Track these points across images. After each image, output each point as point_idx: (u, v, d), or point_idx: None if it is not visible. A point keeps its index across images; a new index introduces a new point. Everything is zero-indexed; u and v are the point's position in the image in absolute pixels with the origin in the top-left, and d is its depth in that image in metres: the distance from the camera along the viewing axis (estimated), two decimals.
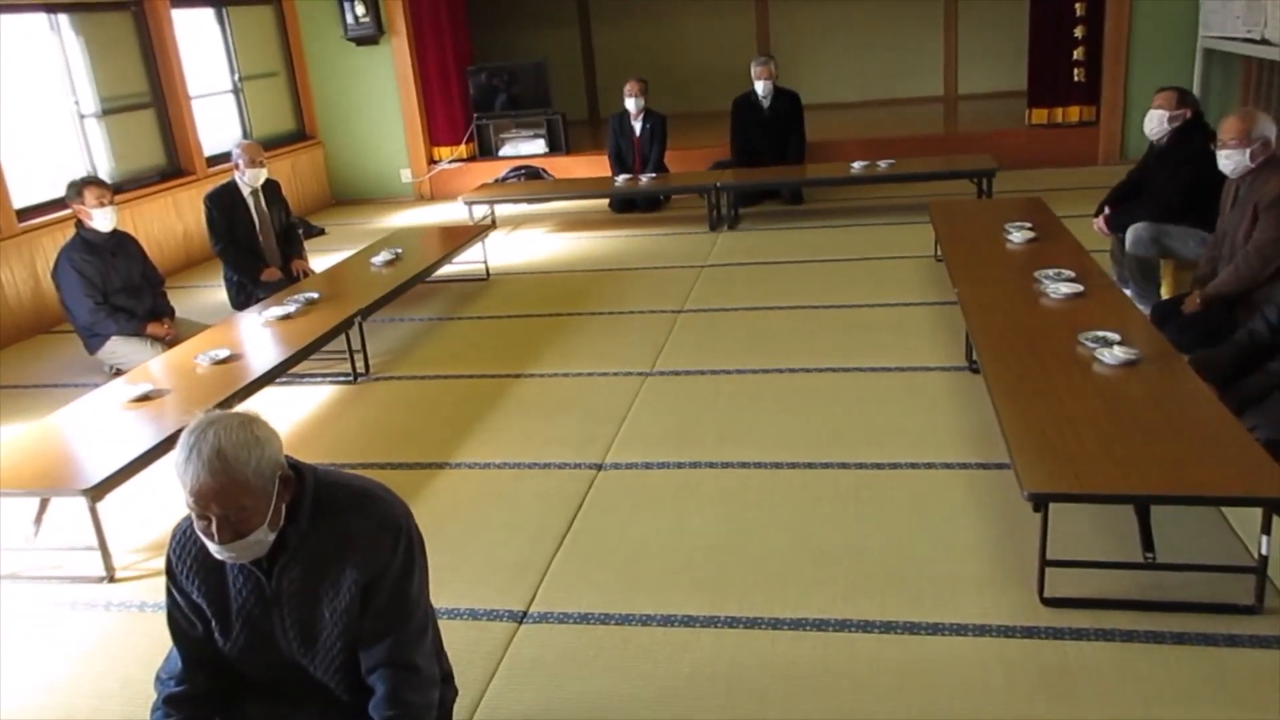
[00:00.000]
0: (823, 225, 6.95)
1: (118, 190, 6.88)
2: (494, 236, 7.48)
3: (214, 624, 1.91)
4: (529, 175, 8.80)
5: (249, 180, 5.79)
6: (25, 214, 6.02)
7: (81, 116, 6.73)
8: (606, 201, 8.00)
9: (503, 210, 7.99)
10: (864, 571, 2.85)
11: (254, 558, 1.82)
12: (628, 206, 7.94)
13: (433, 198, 9.24)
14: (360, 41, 8.92)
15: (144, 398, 3.70)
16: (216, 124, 8.06)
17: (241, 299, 5.80)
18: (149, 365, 4.23)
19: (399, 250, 5.72)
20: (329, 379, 4.77)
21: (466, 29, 9.72)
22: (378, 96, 9.11)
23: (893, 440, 3.63)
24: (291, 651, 1.91)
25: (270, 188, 5.98)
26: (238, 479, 1.70)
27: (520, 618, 2.78)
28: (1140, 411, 2.88)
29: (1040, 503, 2.53)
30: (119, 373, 4.63)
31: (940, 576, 2.79)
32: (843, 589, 2.77)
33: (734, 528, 3.15)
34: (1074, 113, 8.39)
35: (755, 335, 4.86)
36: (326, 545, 1.86)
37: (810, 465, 3.50)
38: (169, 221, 7.25)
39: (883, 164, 7.11)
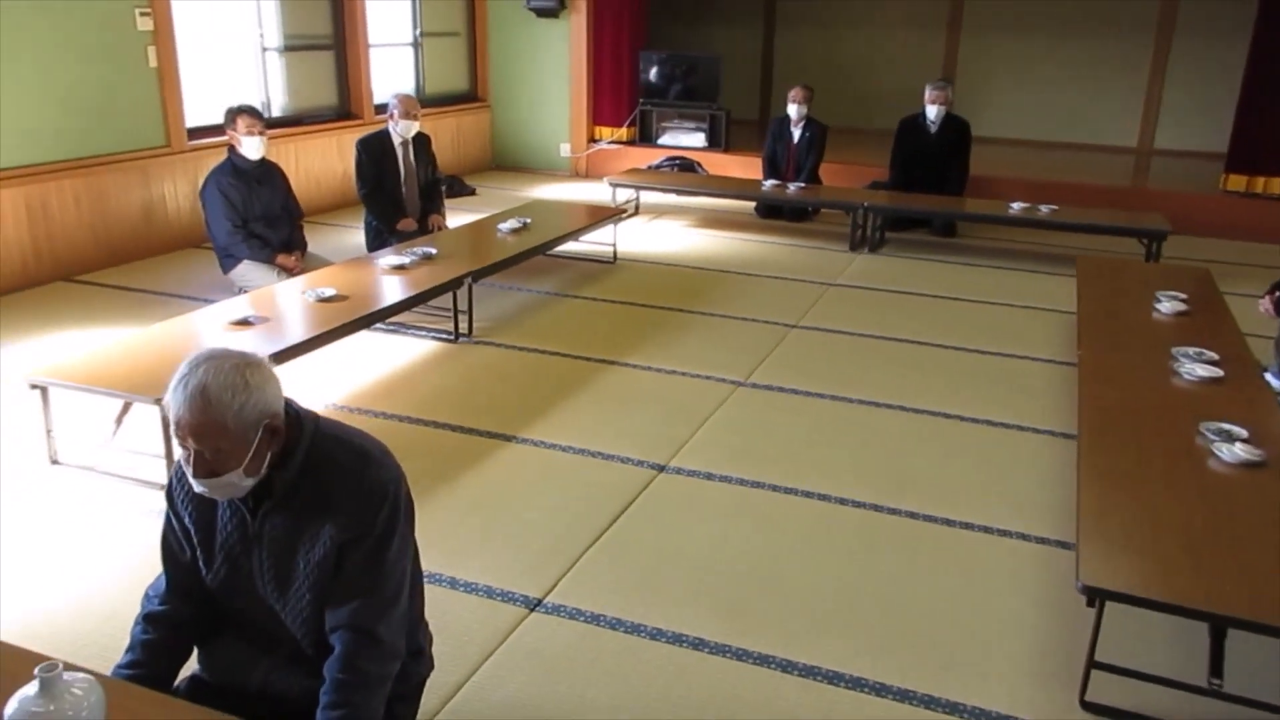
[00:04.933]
0: (968, 263, 6.62)
1: (287, 124, 7.24)
2: (633, 222, 7.48)
3: (199, 553, 1.93)
4: (682, 167, 8.75)
5: (401, 131, 5.94)
6: (195, 133, 6.36)
7: (264, 50, 7.06)
8: (753, 205, 7.86)
9: (647, 197, 7.96)
10: (895, 629, 2.67)
11: (229, 496, 1.82)
12: (773, 213, 7.78)
13: (587, 175, 9.31)
14: (541, 13, 9.05)
15: (242, 322, 3.83)
16: (391, 74, 8.33)
17: (376, 244, 5.97)
18: (259, 292, 4.38)
19: (528, 220, 5.76)
20: (431, 334, 4.84)
21: (645, 14, 9.73)
22: (549, 69, 9.23)
23: (969, 498, 3.40)
24: (266, 594, 1.90)
25: (420, 141, 6.12)
26: (216, 420, 1.70)
27: (533, 605, 2.73)
28: (1246, 521, 2.58)
29: (1094, 597, 2.30)
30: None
31: (976, 652, 2.58)
32: (867, 643, 2.60)
33: (774, 556, 3.01)
34: (1277, 184, 7.70)
35: (861, 363, 4.66)
36: (311, 497, 1.85)
37: (875, 507, 3.32)
38: (330, 161, 7.54)
39: (1044, 208, 6.71)
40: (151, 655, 1.95)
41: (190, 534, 1.93)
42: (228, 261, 5.26)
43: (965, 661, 2.55)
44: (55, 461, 3.44)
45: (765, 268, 6.33)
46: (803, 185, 7.45)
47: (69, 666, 1.59)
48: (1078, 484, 2.78)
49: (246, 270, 5.21)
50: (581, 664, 2.49)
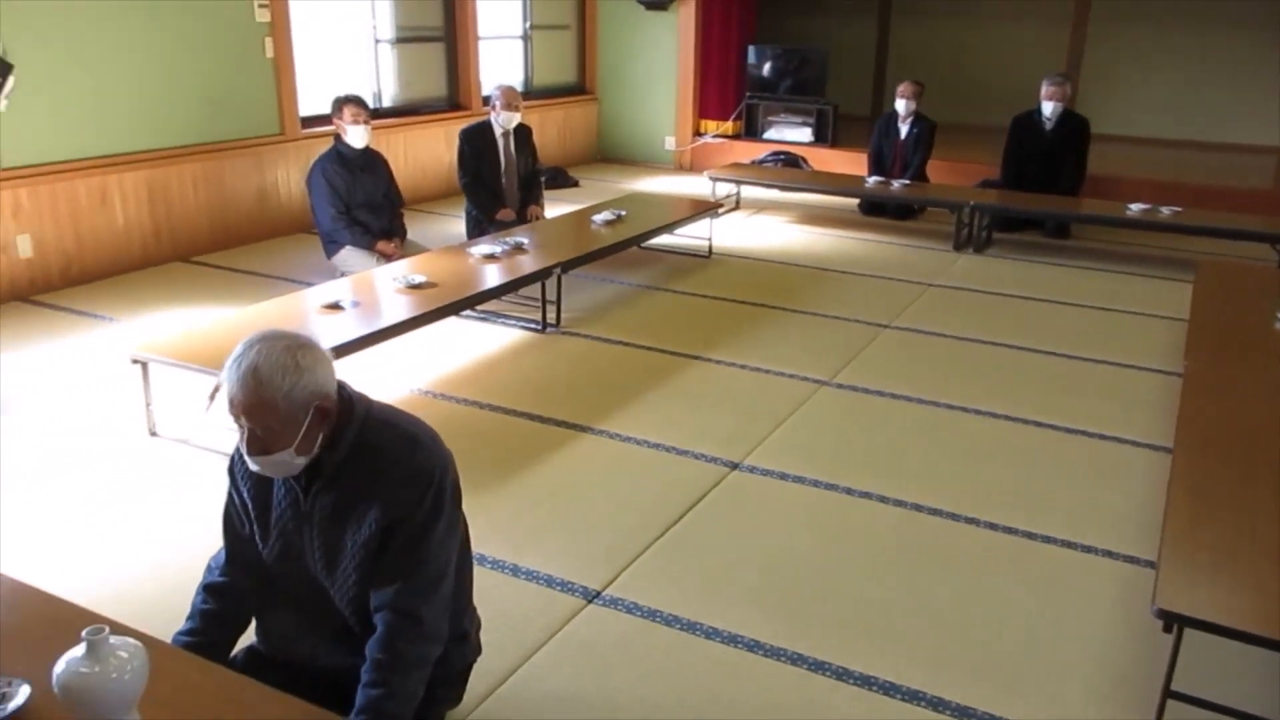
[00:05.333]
0: (1080, 265, 6.34)
1: (397, 114, 7.42)
2: (733, 217, 7.42)
3: (256, 528, 1.99)
4: (787, 162, 8.63)
5: (502, 123, 6.02)
6: (308, 122, 6.58)
7: (376, 41, 7.26)
8: (856, 202, 7.71)
9: (748, 192, 7.89)
10: (960, 644, 2.57)
11: (282, 475, 1.86)
12: (877, 210, 7.61)
13: (691, 169, 9.27)
14: (650, 6, 9.05)
15: (334, 306, 3.94)
16: (499, 66, 8.45)
17: (476, 233, 6.07)
18: (352, 278, 4.50)
19: (622, 212, 5.77)
20: (520, 323, 4.89)
21: (754, 6, 9.63)
22: (657, 62, 9.23)
23: (1054, 510, 3.25)
24: (317, 572, 1.95)
25: (521, 132, 6.19)
26: (266, 400, 1.74)
27: (592, 597, 2.73)
28: None
29: (1171, 623, 2.16)
30: None
31: (1045, 673, 2.47)
32: (929, 657, 2.51)
33: (841, 562, 2.94)
34: None
35: (955, 367, 4.51)
36: (359, 479, 1.88)
37: (953, 516, 3.20)
38: (437, 151, 7.70)
39: (1166, 210, 6.38)
40: (208, 624, 2.02)
41: (249, 509, 1.99)
42: (331, 247, 5.43)
43: (1032, 682, 2.44)
44: (154, 434, 3.61)
45: (863, 266, 6.19)
46: (907, 182, 7.26)
47: (116, 630, 1.66)
48: (1166, 501, 2.63)
49: (348, 256, 5.37)
50: (632, 659, 2.48)
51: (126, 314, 4.91)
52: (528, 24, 8.78)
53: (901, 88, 7.48)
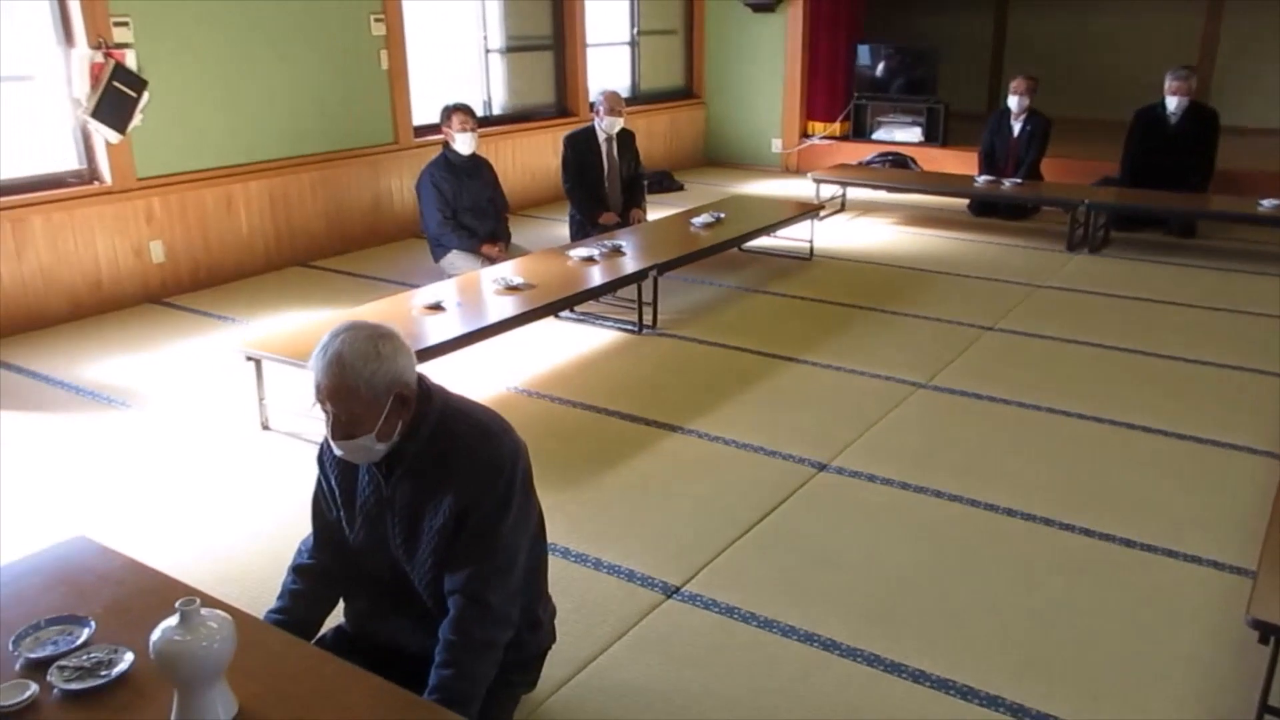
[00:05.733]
0: (1205, 266, 6.06)
1: (506, 121, 7.62)
2: (837, 219, 7.36)
3: (342, 513, 2.09)
4: (895, 162, 8.50)
5: (605, 127, 6.12)
6: (421, 131, 6.81)
7: (487, 51, 7.46)
8: (966, 202, 7.53)
9: (854, 194, 7.80)
10: (1046, 651, 2.51)
11: (365, 461, 1.96)
12: (988, 210, 7.42)
13: (798, 171, 9.21)
14: (757, 8, 9.04)
15: (435, 306, 4.09)
16: (607, 72, 8.58)
17: (579, 236, 6.17)
18: (454, 279, 4.65)
19: (721, 215, 5.79)
20: (617, 325, 4.97)
21: (864, 5, 9.51)
22: (764, 64, 9.21)
23: (1156, 518, 3.13)
24: (398, 556, 2.04)
25: (624, 137, 6.27)
26: (349, 385, 1.84)
27: (671, 592, 2.76)
28: None
29: (1267, 634, 2.07)
30: None
31: (1134, 684, 2.39)
32: (1012, 663, 2.46)
33: (926, 564, 2.90)
34: None
35: (1060, 371, 4.38)
36: (436, 467, 1.96)
37: (1048, 521, 3.12)
38: (545, 157, 7.86)
39: None
40: (296, 603, 2.13)
41: (336, 495, 2.10)
42: (438, 250, 5.61)
43: (1120, 693, 2.36)
44: (265, 427, 3.81)
45: (969, 267, 6.05)
46: (1019, 181, 7.05)
47: (207, 603, 1.78)
48: (1272, 508, 2.51)
49: (454, 259, 5.54)
50: (708, 654, 2.50)
51: (248, 315, 5.19)
52: (635, 30, 8.88)
53: (1014, 83, 7.28)
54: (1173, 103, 6.77)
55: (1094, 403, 4.00)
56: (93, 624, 1.93)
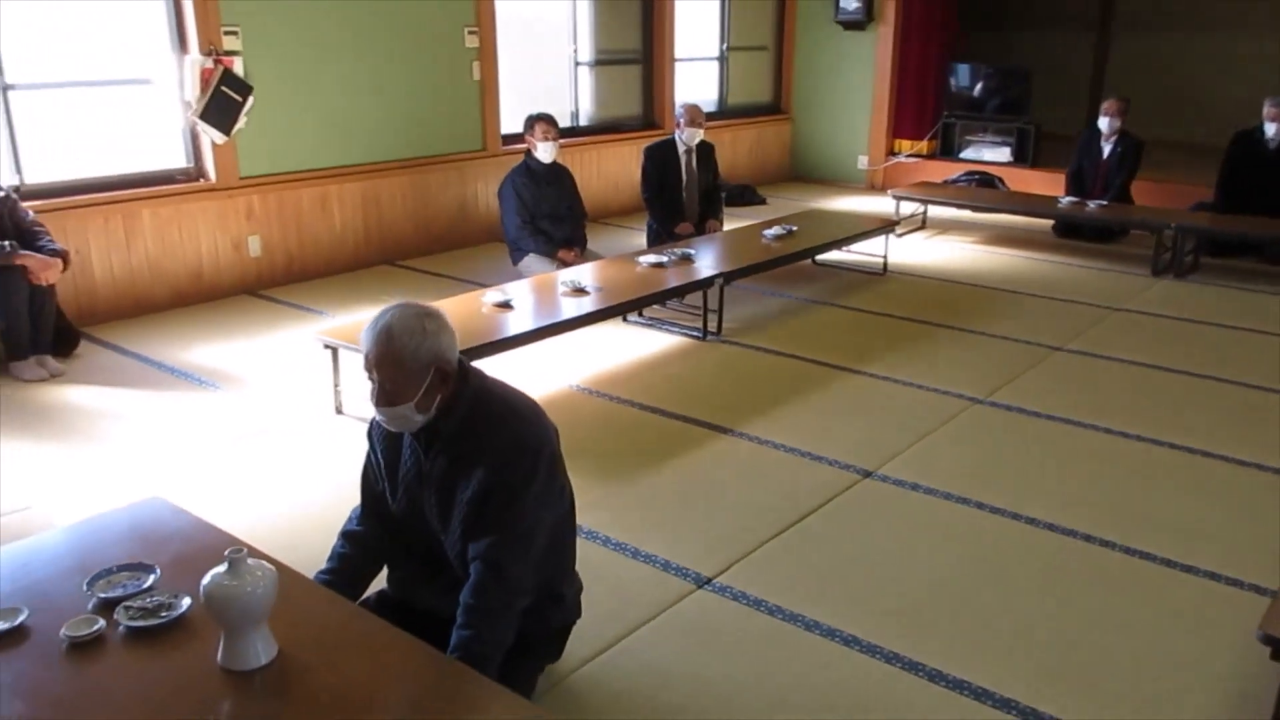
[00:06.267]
0: None
1: (593, 132, 7.82)
2: (915, 236, 7.35)
3: (386, 484, 2.26)
4: (981, 182, 8.43)
5: (685, 139, 6.25)
6: (509, 139, 7.05)
7: (576, 64, 7.68)
8: (1051, 223, 7.43)
9: (935, 212, 7.77)
10: (1066, 661, 2.53)
11: (403, 429, 2.12)
12: (1072, 232, 7.31)
13: (883, 188, 9.19)
14: (848, 25, 9.08)
15: (503, 305, 4.27)
16: (694, 86, 8.72)
17: (656, 245, 6.32)
18: (524, 280, 4.84)
19: (793, 228, 5.87)
20: (682, 331, 5.08)
21: (956, 23, 9.46)
22: (853, 81, 9.23)
23: (1198, 539, 3.11)
24: (434, 526, 2.20)
25: (704, 149, 6.39)
26: (394, 355, 2.01)
27: (702, 583, 2.86)
28: None
29: (1278, 649, 2.07)
30: None
31: (1152, 698, 2.40)
32: (1029, 669, 2.49)
33: (958, 572, 2.94)
34: None
35: (1123, 393, 4.33)
36: (469, 445, 2.11)
37: (1087, 538, 3.12)
38: (629, 167, 8.03)
39: None
40: (343, 565, 2.31)
41: (382, 467, 2.27)
42: (516, 254, 5.82)
43: (1136, 704, 2.37)
44: (340, 412, 4.04)
45: (1045, 288, 6.00)
46: (1104, 203, 6.94)
47: (253, 554, 1.96)
48: None
49: (531, 262, 5.73)
50: (729, 641, 2.60)
51: (336, 308, 5.46)
52: (725, 45, 9.01)
53: (1105, 104, 7.17)
54: (1271, 129, 6.60)
55: (1153, 426, 3.95)
56: (158, 571, 2.14)
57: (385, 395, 2.05)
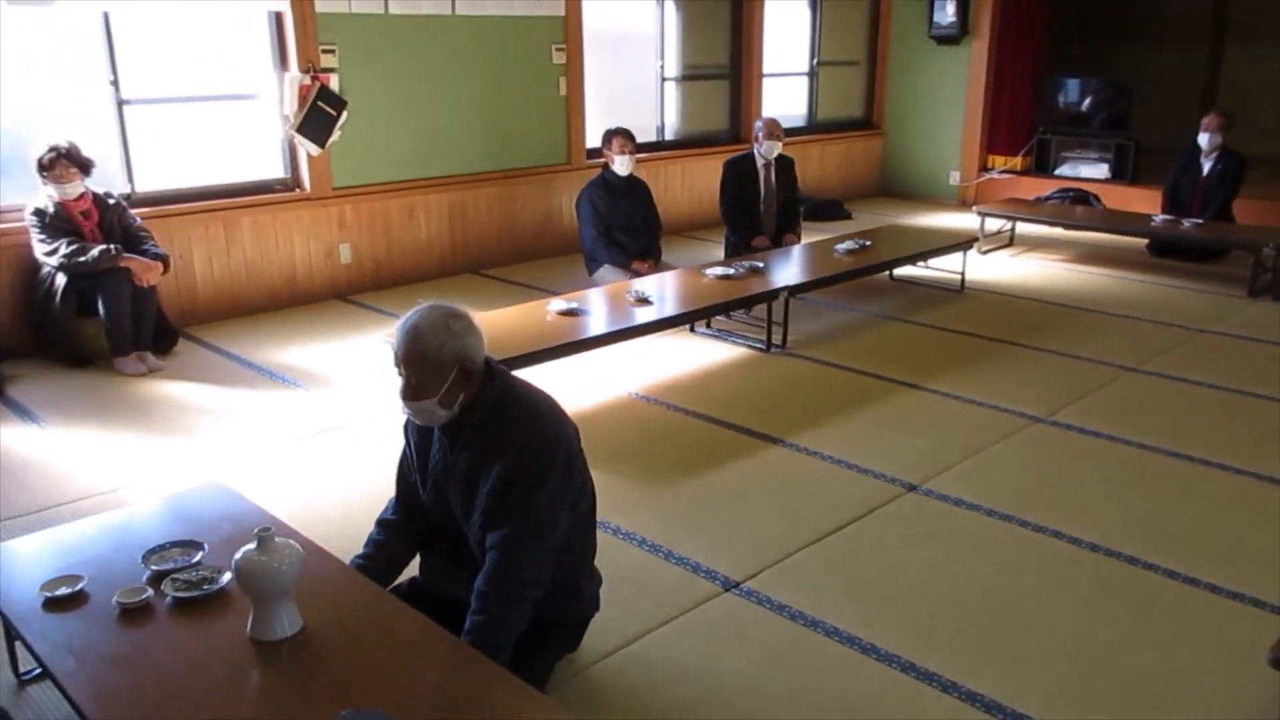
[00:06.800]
0: None
1: (679, 146, 7.94)
2: (1000, 254, 7.23)
3: (417, 476, 2.41)
4: (1076, 199, 8.23)
5: (764, 153, 6.31)
6: (593, 153, 7.22)
7: (663, 79, 7.81)
8: (1146, 242, 7.21)
9: (1024, 229, 7.62)
10: (1086, 678, 2.51)
11: (428, 423, 2.26)
12: (1167, 251, 7.08)
13: (975, 204, 9.04)
14: (942, 40, 8.99)
15: (569, 312, 4.41)
16: (784, 101, 8.76)
17: (733, 258, 6.39)
18: (593, 290, 4.98)
19: (866, 242, 5.86)
20: (747, 342, 5.14)
21: (1053, 37, 9.26)
22: (946, 96, 9.14)
23: (1247, 566, 3.02)
24: (459, 517, 2.33)
25: (782, 163, 6.44)
26: (420, 351, 2.15)
27: (729, 586, 2.93)
28: None
29: None
30: None
31: (1174, 714, 2.36)
32: (1047, 685, 2.48)
33: (989, 586, 2.93)
34: None
35: (1195, 417, 4.21)
36: (490, 441, 2.23)
37: (1132, 560, 3.07)
38: (713, 181, 8.08)
39: None
40: (377, 551, 2.46)
41: (414, 459, 2.42)
42: (591, 265, 5.96)
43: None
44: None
45: (1132, 308, 5.84)
46: (1199, 221, 6.70)
47: (293, 537, 2.12)
48: None
49: (606, 273, 5.87)
50: (749, 643, 2.66)
51: None
52: (814, 60, 9.02)
53: (1206, 120, 6.93)
54: None
55: (1220, 450, 3.84)
56: (206, 549, 2.33)
57: (411, 390, 2.19)
